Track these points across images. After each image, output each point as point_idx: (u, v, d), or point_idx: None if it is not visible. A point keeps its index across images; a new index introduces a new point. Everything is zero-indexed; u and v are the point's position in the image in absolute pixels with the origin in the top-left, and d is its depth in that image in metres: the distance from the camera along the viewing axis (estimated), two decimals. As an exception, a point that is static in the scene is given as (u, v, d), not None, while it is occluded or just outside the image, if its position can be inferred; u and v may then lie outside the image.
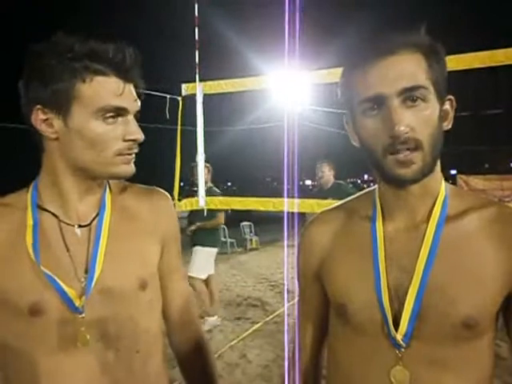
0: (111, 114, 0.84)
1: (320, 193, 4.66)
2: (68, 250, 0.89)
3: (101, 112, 0.83)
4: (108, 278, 0.89)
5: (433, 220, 0.81)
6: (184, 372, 1.10)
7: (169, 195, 1.08)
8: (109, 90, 0.83)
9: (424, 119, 0.75)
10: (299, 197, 3.74)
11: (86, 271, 0.88)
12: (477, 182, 12.32)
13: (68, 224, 0.91)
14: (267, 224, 14.21)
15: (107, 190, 0.97)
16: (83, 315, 0.85)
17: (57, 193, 0.90)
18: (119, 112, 0.85)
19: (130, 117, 0.87)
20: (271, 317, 5.33)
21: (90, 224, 0.92)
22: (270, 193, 4.41)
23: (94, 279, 0.87)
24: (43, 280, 0.85)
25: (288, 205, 3.21)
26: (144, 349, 0.94)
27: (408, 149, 0.74)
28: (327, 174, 4.67)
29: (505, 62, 2.72)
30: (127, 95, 0.85)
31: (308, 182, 67.73)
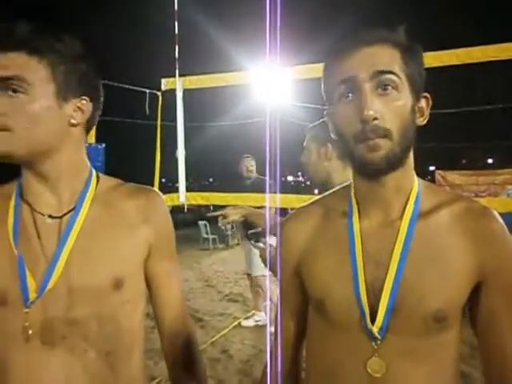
0: None
1: (241, 187, 4.68)
2: (39, 240, 0.88)
3: None
4: (74, 275, 0.87)
5: (406, 216, 0.83)
6: (173, 378, 1.07)
7: (161, 194, 1.04)
8: None
9: (394, 109, 0.78)
10: (281, 192, 3.74)
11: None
12: (454, 177, 12.58)
13: (40, 213, 0.90)
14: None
15: (91, 184, 0.95)
16: (28, 310, 0.84)
17: (25, 180, 0.90)
18: None
19: None
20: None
21: (61, 217, 0.90)
22: (252, 189, 4.41)
23: (53, 275, 0.85)
24: (15, 268, 0.84)
25: (269, 200, 3.21)
26: (117, 350, 0.91)
27: (377, 137, 0.76)
28: (254, 169, 4.76)
29: (481, 59, 2.77)
30: None
31: (290, 178, 67.95)
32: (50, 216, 0.90)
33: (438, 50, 2.83)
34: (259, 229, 4.86)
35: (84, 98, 0.90)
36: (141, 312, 0.99)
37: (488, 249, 0.81)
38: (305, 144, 1.86)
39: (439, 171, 13.10)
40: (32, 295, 0.84)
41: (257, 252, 4.89)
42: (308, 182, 70.34)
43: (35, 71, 0.83)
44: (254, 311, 5.13)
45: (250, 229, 4.96)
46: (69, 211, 0.91)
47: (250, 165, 4.77)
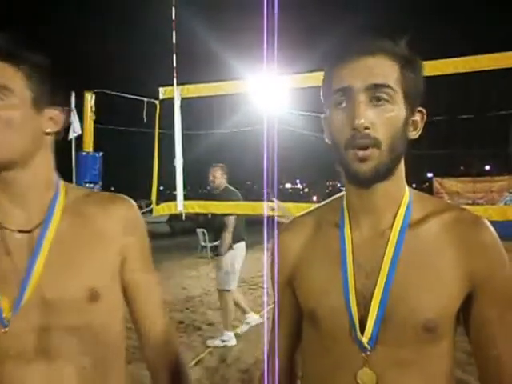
0: None
1: (210, 196, 4.73)
2: (9, 257, 0.85)
3: None
4: (49, 289, 0.85)
5: (396, 227, 0.83)
6: None
7: (134, 203, 1.01)
8: None
9: (386, 120, 0.78)
10: (278, 200, 3.75)
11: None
12: (451, 184, 12.64)
13: (8, 229, 0.87)
14: (247, 227, 14.23)
15: (59, 195, 0.93)
16: (6, 329, 0.82)
17: None
18: None
19: None
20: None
21: (31, 231, 0.87)
22: (251, 197, 4.43)
23: (27, 290, 0.83)
24: None
25: (267, 208, 3.22)
26: (95, 364, 0.88)
27: (367, 146, 0.77)
28: (218, 178, 4.73)
29: (477, 68, 2.80)
30: None
31: (288, 186, 67.97)
32: (19, 231, 0.87)
33: (436, 58, 2.85)
34: (218, 241, 4.91)
35: (57, 108, 0.91)
36: (119, 323, 0.96)
37: (479, 258, 0.80)
38: None
39: (437, 178, 13.17)
40: (7, 314, 0.82)
41: (220, 266, 4.94)
42: (306, 190, 70.21)
43: (14, 79, 0.84)
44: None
45: (215, 241, 4.91)
46: (38, 224, 0.88)
47: (212, 175, 4.69)
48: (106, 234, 0.92)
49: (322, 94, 0.88)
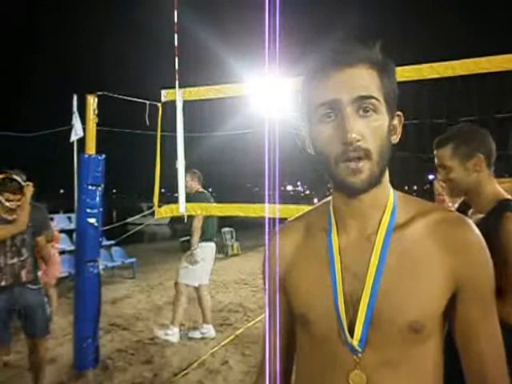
0: None
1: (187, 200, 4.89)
2: None
3: None
4: None
5: (381, 230, 0.85)
6: None
7: None
8: None
9: (374, 130, 0.80)
10: (280, 202, 3.75)
11: None
12: (453, 186, 12.60)
13: None
14: (248, 230, 14.23)
15: None
16: None
17: None
18: None
19: None
20: (253, 322, 5.34)
21: None
22: (251, 199, 4.45)
23: None
24: None
25: (269, 210, 3.22)
26: None
27: (358, 158, 0.78)
28: (189, 182, 4.86)
29: (475, 71, 2.80)
30: None
31: (289, 188, 67.78)
32: None
33: (436, 61, 2.86)
34: (187, 237, 5.16)
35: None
36: None
37: (463, 258, 0.82)
38: (439, 162, 1.84)
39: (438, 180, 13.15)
40: None
41: (182, 260, 5.18)
42: (307, 192, 70.01)
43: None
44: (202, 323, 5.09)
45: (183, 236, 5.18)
46: None
47: (189, 179, 4.84)
48: None
49: (301, 105, 0.89)
